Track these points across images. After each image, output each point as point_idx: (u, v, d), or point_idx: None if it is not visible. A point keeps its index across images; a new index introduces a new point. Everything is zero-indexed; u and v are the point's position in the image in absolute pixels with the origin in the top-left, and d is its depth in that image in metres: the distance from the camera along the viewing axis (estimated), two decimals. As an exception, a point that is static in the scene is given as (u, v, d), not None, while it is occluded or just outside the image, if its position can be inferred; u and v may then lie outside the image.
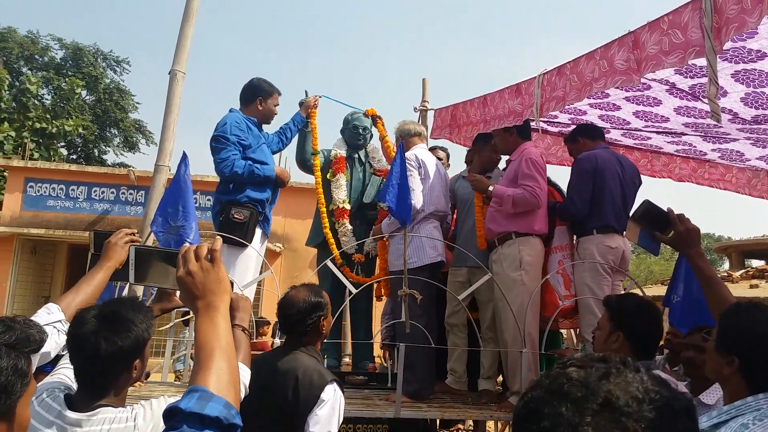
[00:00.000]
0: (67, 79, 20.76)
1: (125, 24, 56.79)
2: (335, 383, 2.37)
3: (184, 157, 3.91)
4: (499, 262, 3.94)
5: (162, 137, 4.47)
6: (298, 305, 2.50)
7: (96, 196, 12.45)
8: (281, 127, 4.66)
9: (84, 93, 21.92)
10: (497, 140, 4.29)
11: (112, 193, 12.47)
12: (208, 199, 11.92)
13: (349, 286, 3.76)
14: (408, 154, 4.12)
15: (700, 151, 4.63)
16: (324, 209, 4.76)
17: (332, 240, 4.67)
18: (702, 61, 2.96)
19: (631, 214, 2.54)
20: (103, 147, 23.59)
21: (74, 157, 22.51)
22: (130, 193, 12.43)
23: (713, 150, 4.51)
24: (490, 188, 4.00)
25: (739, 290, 11.04)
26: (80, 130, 20.13)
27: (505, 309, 3.80)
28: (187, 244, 1.27)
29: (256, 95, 4.27)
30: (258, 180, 4.11)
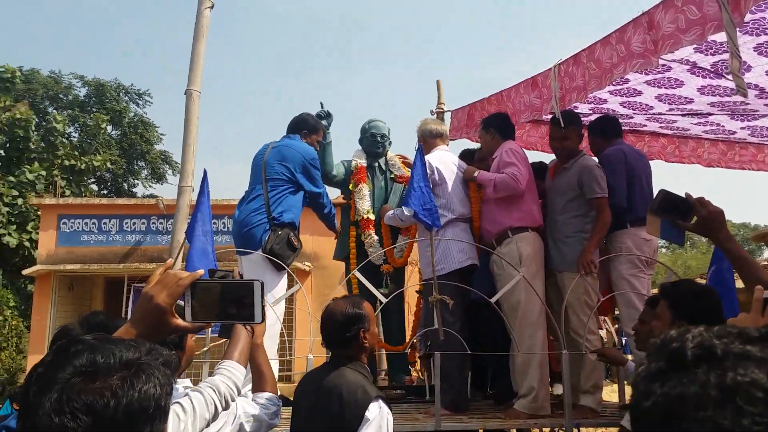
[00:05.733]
0: (92, 116, 21.24)
1: (143, 56, 58.11)
2: (380, 400, 2.26)
3: (205, 176, 3.95)
4: (499, 262, 3.87)
5: (183, 158, 4.51)
6: (336, 318, 2.44)
7: (128, 228, 12.59)
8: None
9: (109, 128, 22.38)
10: (481, 141, 4.33)
11: (143, 223, 12.61)
12: (223, 223, 11.99)
13: (380, 296, 3.69)
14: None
15: (729, 130, 4.48)
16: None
17: (354, 253, 4.65)
18: (721, 37, 2.86)
19: (649, 208, 2.43)
20: (132, 180, 24.02)
21: (105, 192, 22.94)
22: (161, 223, 12.55)
23: (742, 128, 4.36)
24: (475, 174, 4.01)
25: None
26: (108, 164, 20.53)
27: (509, 309, 3.74)
28: None
29: (308, 128, 4.40)
30: (323, 216, 4.49)
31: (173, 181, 25.66)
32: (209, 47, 5.14)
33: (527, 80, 3.93)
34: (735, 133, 4.53)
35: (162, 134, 24.31)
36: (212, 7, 5.27)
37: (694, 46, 3.06)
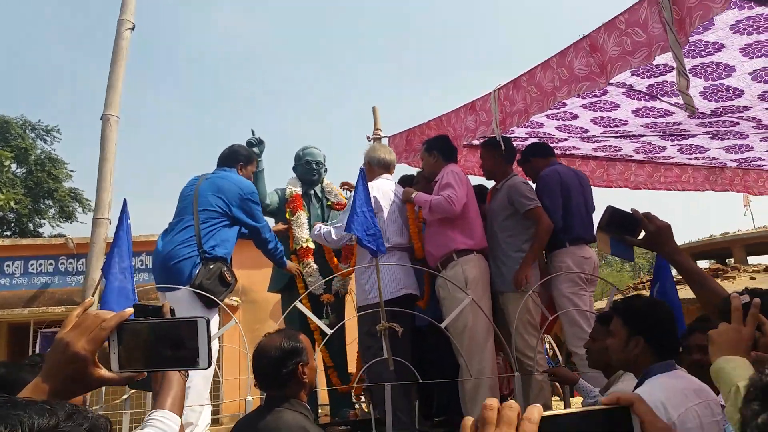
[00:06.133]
0: (-6, 153, 19.85)
1: (52, 92, 55.52)
2: None
3: (125, 206, 3.62)
4: (444, 285, 3.80)
5: (98, 188, 4.16)
6: (270, 354, 2.22)
7: (33, 269, 11.69)
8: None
9: (14, 166, 20.99)
10: (423, 163, 4.28)
11: (51, 264, 11.76)
12: (141, 260, 11.39)
13: (324, 327, 3.49)
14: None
15: (660, 147, 4.63)
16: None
17: (302, 285, 4.42)
18: (660, 59, 2.93)
19: (597, 225, 2.43)
20: (38, 220, 22.46)
21: (8, 233, 21.34)
22: (70, 263, 11.73)
23: (672, 146, 4.53)
24: (413, 195, 3.97)
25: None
26: (12, 204, 19.15)
27: (456, 333, 3.65)
28: None
29: (243, 160, 4.12)
30: (267, 252, 4.11)
31: (84, 220, 24.12)
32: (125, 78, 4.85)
33: (466, 105, 3.93)
34: (665, 149, 4.69)
35: (72, 171, 23.02)
36: (133, 29, 5.01)
37: (632, 69, 3.13)
